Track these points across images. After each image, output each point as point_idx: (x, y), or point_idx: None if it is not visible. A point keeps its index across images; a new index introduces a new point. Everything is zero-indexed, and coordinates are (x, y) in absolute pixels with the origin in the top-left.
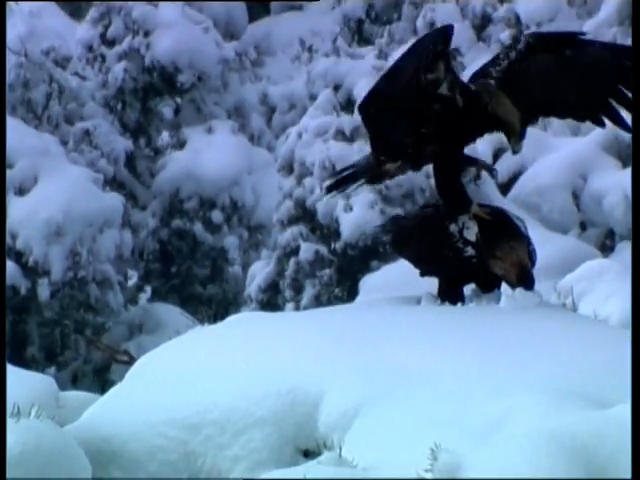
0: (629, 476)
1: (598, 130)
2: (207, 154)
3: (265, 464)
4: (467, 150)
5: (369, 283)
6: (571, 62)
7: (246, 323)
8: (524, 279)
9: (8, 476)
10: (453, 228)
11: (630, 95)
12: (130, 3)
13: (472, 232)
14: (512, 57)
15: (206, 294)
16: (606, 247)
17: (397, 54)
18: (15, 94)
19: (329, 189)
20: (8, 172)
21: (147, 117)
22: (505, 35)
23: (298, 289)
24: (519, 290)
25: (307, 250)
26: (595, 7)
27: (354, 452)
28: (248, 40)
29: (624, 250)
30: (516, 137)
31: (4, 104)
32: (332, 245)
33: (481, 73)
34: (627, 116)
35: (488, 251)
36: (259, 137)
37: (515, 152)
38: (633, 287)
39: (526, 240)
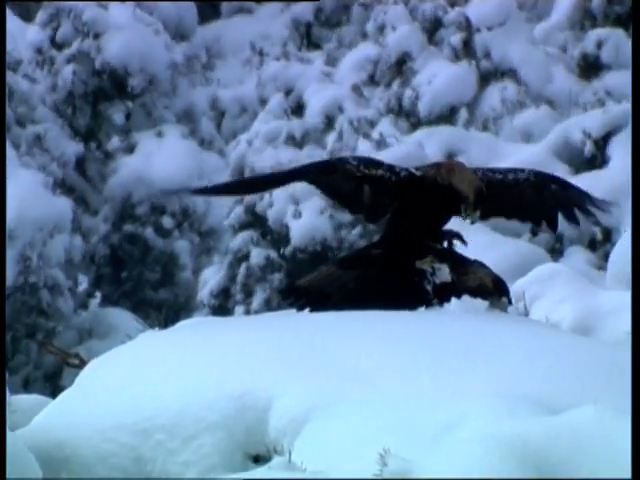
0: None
1: (550, 136)
2: (157, 159)
3: (216, 469)
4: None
5: None
6: (554, 195)
7: (197, 328)
8: (499, 285)
9: None
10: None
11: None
12: (80, 5)
13: (444, 273)
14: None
15: (157, 299)
16: (556, 251)
17: (347, 58)
18: None
19: None
20: None
21: (97, 121)
22: (456, 38)
23: (249, 293)
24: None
25: (258, 255)
26: (546, 11)
27: (304, 457)
28: (198, 43)
29: (574, 255)
30: (471, 206)
31: (4, 104)
32: (282, 250)
33: None
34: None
35: (460, 269)
36: (210, 142)
37: (472, 222)
38: (633, 292)
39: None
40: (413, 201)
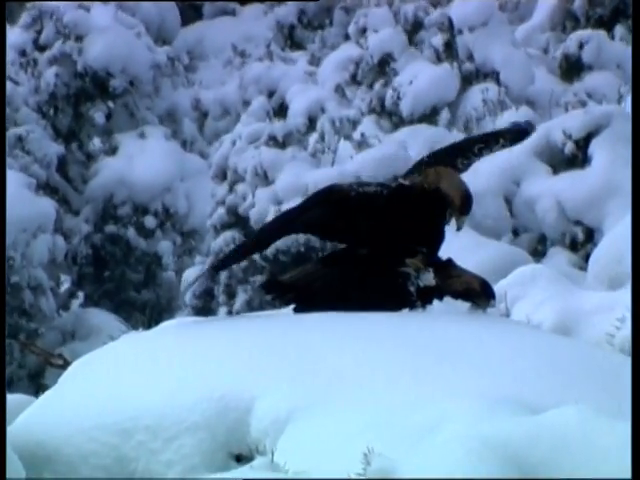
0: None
1: (531, 137)
2: (140, 160)
3: (198, 469)
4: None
5: None
6: None
7: (179, 329)
8: (486, 287)
9: None
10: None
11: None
12: (62, 8)
13: (428, 277)
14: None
15: (140, 299)
16: (538, 252)
17: (329, 59)
18: None
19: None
20: None
21: (79, 122)
22: (438, 40)
23: (231, 294)
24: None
25: None
26: (527, 12)
27: (286, 457)
28: (180, 45)
29: (556, 256)
30: (456, 212)
31: (4, 104)
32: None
33: (446, 159)
34: None
35: (445, 274)
36: (192, 143)
37: (458, 228)
38: (633, 292)
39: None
40: (402, 213)
